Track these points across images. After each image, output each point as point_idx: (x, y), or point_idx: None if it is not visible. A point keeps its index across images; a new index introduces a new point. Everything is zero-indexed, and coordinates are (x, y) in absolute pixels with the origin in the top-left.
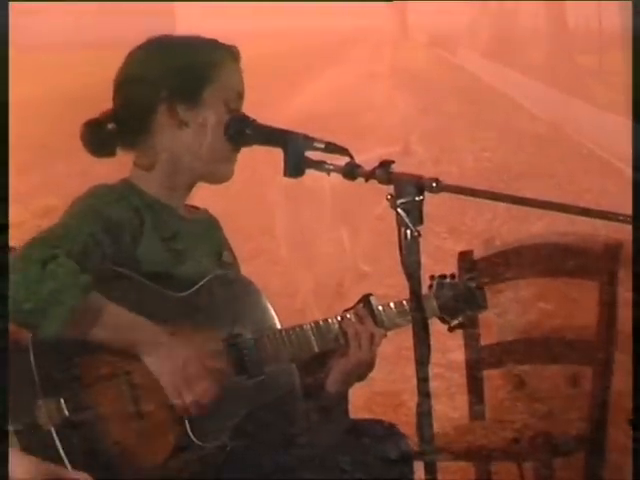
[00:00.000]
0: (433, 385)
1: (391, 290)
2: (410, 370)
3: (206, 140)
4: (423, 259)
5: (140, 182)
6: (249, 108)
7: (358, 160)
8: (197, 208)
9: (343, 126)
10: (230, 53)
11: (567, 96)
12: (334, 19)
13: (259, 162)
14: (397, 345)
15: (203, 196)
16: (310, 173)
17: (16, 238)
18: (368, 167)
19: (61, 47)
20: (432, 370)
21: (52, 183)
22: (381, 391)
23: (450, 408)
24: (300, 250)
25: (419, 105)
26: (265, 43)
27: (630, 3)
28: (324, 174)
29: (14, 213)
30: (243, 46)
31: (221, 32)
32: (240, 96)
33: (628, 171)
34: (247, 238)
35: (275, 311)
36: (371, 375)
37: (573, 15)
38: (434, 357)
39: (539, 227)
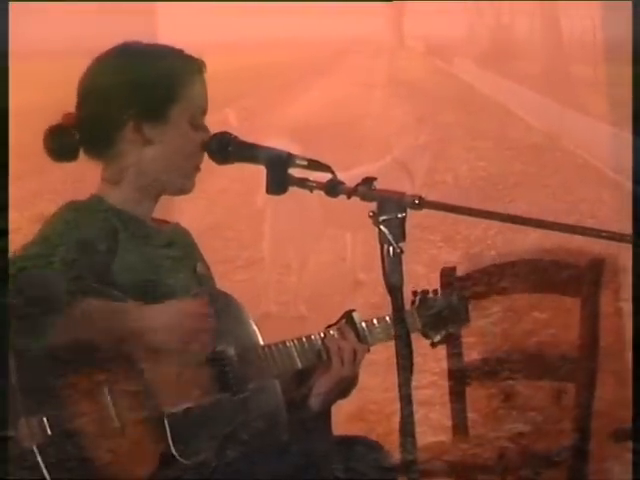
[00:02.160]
0: (427, 393)
1: (385, 299)
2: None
3: (169, 157)
4: (418, 268)
5: (109, 196)
6: (245, 116)
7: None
8: (166, 221)
9: (339, 135)
10: (196, 66)
11: (562, 106)
12: (330, 29)
13: (251, 172)
14: (389, 353)
15: (197, 207)
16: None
17: (11, 244)
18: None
19: (59, 55)
20: (426, 378)
21: (48, 190)
22: (374, 400)
23: (444, 416)
24: (295, 258)
25: (415, 114)
26: (262, 53)
27: (629, 3)
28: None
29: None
30: (239, 56)
31: (221, 43)
32: (204, 111)
33: (623, 181)
34: (242, 247)
35: (270, 319)
36: (363, 384)
37: (568, 26)
38: (429, 365)
39: (534, 237)
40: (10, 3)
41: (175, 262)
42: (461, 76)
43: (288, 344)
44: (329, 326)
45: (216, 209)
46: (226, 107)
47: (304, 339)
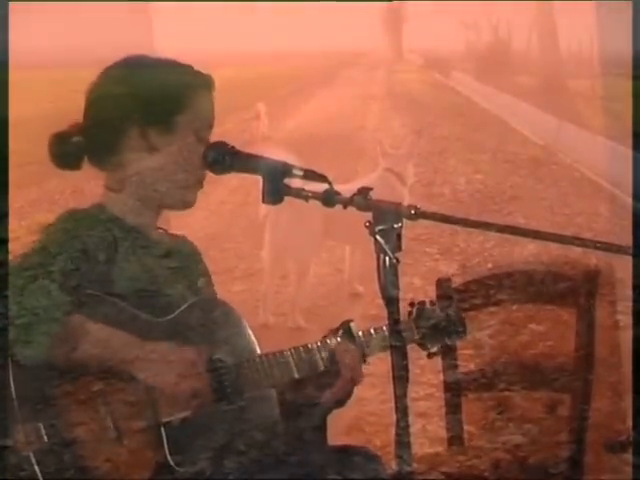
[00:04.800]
0: (425, 405)
1: (383, 311)
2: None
3: (174, 167)
4: (415, 281)
5: (112, 205)
6: (244, 127)
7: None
8: (175, 235)
9: (338, 147)
10: (205, 81)
11: (559, 120)
12: (330, 42)
13: (250, 184)
14: (387, 365)
15: (198, 218)
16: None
17: (10, 253)
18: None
19: (58, 65)
20: (424, 390)
21: (46, 199)
22: (372, 411)
23: (441, 428)
24: (294, 270)
25: (414, 127)
26: (262, 64)
27: (628, 17)
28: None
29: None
30: (240, 68)
31: (220, 54)
32: (210, 126)
33: (619, 194)
34: (240, 258)
35: (268, 330)
36: (362, 395)
37: (565, 41)
38: (426, 377)
39: (531, 249)
40: (10, 4)
41: (175, 275)
42: (459, 89)
43: (285, 353)
44: (326, 335)
45: (215, 220)
46: (228, 116)
47: (301, 348)
